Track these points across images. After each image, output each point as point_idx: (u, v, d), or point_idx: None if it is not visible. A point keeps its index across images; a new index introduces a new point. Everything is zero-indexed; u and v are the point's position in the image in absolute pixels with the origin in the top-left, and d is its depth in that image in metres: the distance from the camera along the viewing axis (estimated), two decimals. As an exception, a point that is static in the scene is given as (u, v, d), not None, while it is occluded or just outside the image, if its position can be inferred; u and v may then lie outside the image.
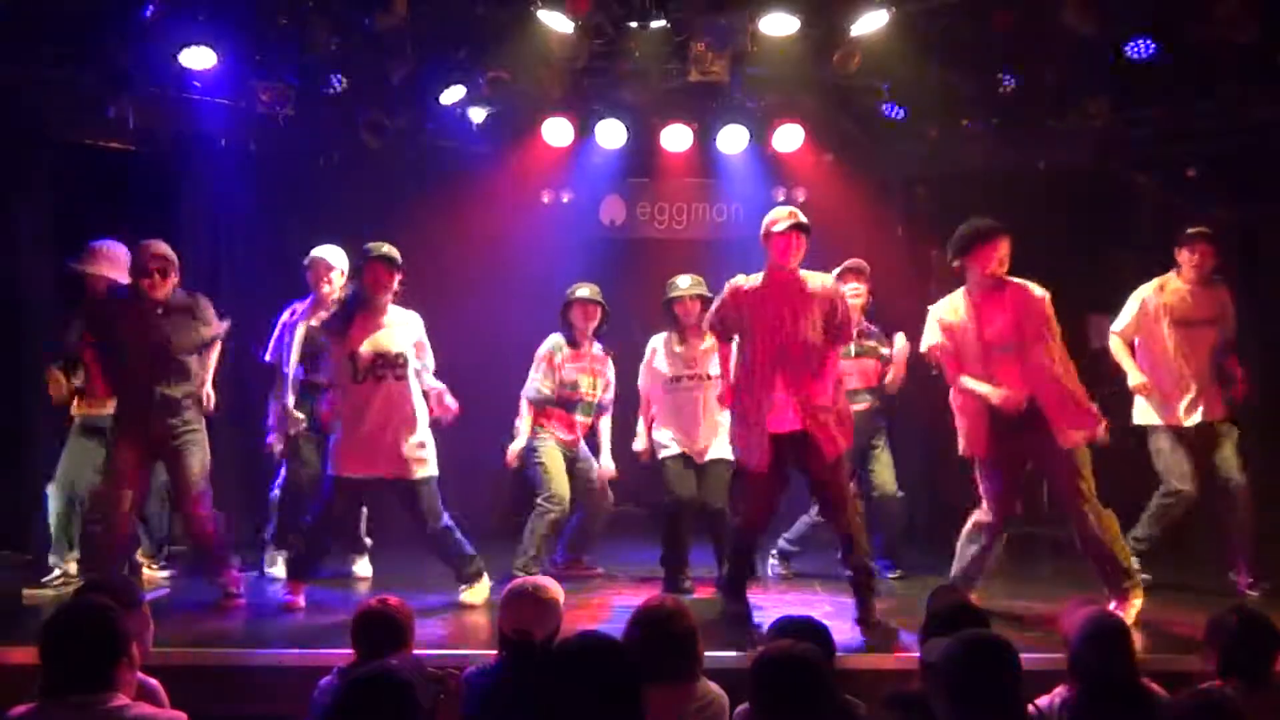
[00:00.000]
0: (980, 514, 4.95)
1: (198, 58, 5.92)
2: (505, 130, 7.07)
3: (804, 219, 4.75)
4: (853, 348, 5.70)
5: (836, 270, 5.80)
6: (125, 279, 5.30)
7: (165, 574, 5.83)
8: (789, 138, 7.00)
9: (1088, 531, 4.69)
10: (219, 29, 5.91)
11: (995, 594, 5.04)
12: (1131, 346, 5.65)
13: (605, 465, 5.99)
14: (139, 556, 5.68)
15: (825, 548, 5.26)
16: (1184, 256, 5.55)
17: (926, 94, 6.58)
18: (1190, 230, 5.55)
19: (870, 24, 5.91)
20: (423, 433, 5.19)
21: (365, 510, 5.98)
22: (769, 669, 2.74)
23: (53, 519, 5.44)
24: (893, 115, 6.72)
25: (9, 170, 6.40)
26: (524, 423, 5.82)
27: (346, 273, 5.72)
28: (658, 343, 5.81)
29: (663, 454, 5.70)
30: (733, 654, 4.06)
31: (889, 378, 5.82)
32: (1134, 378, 5.52)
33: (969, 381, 4.84)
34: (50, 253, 6.24)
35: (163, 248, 5.08)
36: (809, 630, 3.18)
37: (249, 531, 6.13)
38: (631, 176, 7.61)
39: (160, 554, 5.88)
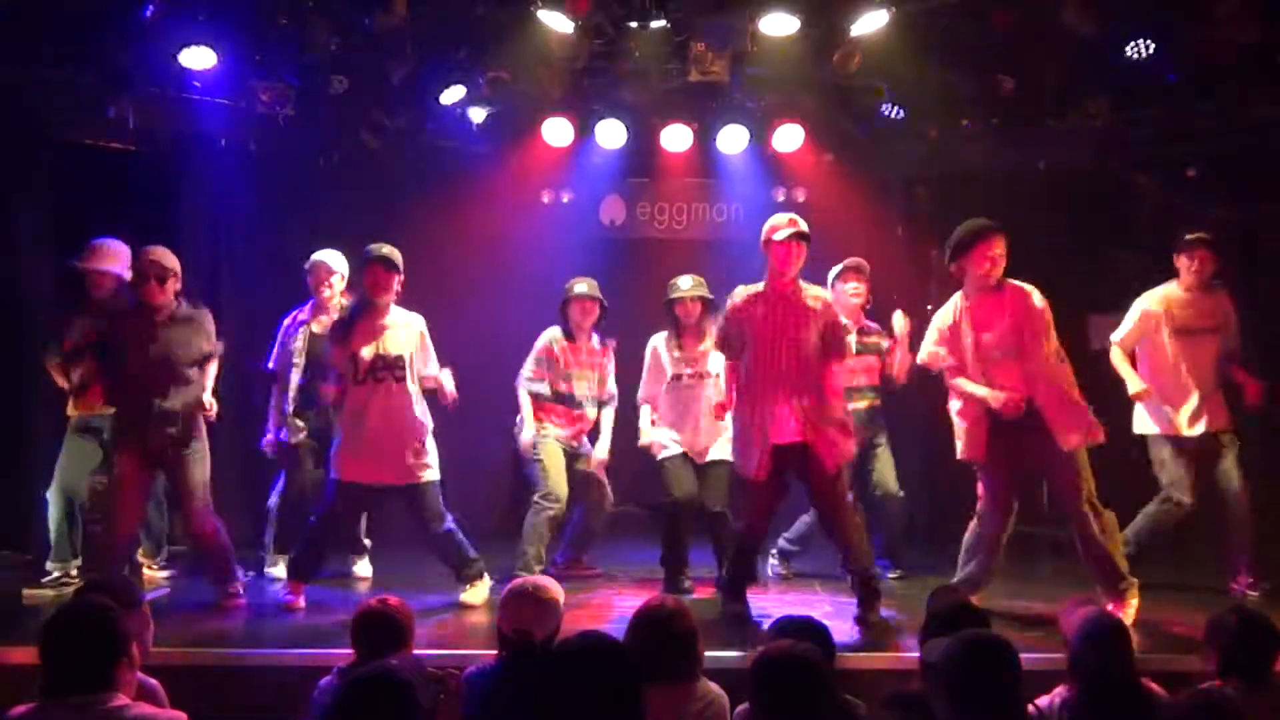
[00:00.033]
0: (981, 518, 4.95)
1: (198, 58, 5.91)
2: (505, 130, 7.06)
3: (805, 227, 4.76)
4: (854, 344, 5.71)
5: (837, 268, 5.81)
6: (128, 274, 5.30)
7: (165, 574, 5.83)
8: (789, 138, 7.00)
9: (1087, 532, 4.69)
10: (219, 29, 5.91)
11: (995, 594, 5.04)
12: (1133, 357, 5.62)
13: (598, 452, 5.93)
14: (139, 556, 5.68)
15: (825, 548, 5.26)
16: (1183, 263, 5.54)
17: (926, 94, 6.58)
18: (1189, 236, 5.53)
19: (870, 24, 5.91)
20: (424, 436, 5.19)
21: (365, 513, 5.98)
22: (769, 669, 2.74)
23: (53, 525, 5.44)
24: (893, 115, 6.71)
25: (9, 170, 6.39)
26: (526, 410, 5.81)
27: (346, 277, 5.73)
28: (658, 342, 5.81)
29: (662, 454, 5.70)
30: (733, 654, 4.06)
31: (895, 360, 5.76)
32: (1133, 385, 5.49)
33: (967, 384, 4.85)
34: (50, 253, 6.24)
35: (159, 254, 5.06)
36: (809, 630, 3.18)
37: (249, 532, 6.12)
38: (631, 176, 7.61)
39: (160, 553, 5.88)
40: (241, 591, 5.26)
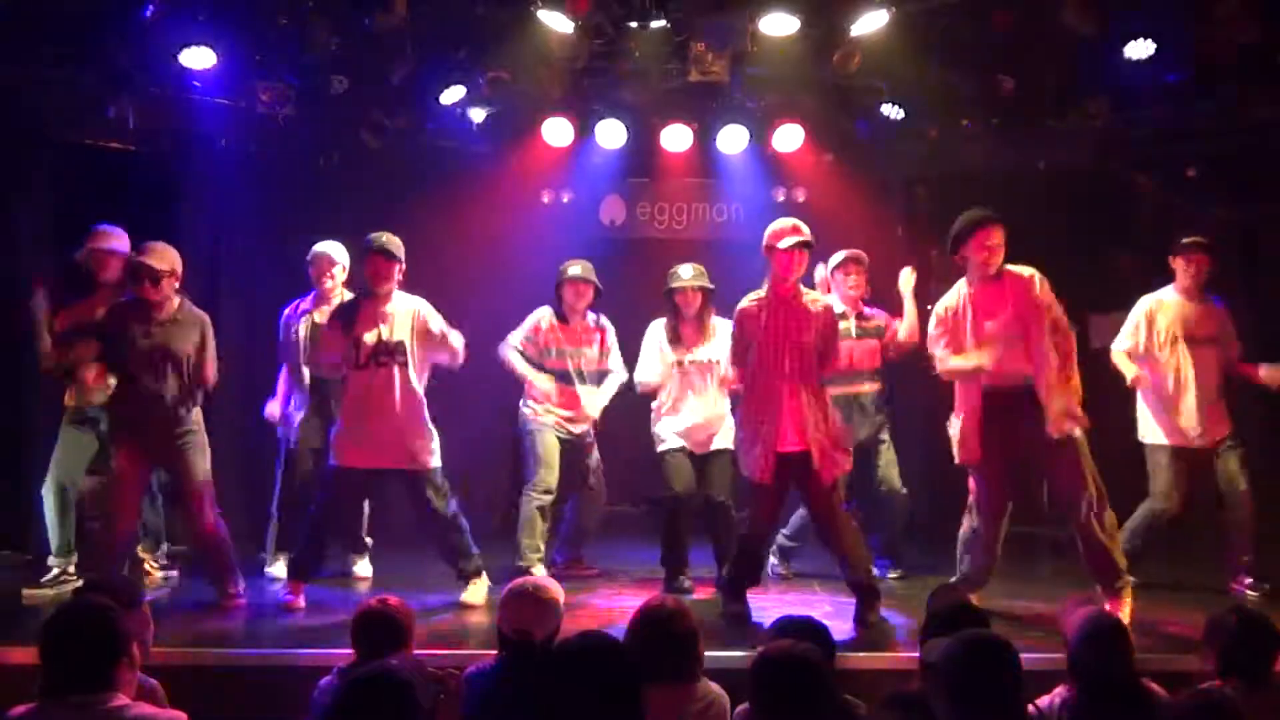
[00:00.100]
0: (974, 518, 4.95)
1: (198, 58, 5.91)
2: (505, 130, 7.07)
3: (808, 235, 4.77)
4: (854, 328, 5.72)
5: (837, 258, 5.80)
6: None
7: (165, 574, 5.83)
8: (789, 138, 7.00)
9: (1089, 528, 4.68)
10: (219, 29, 5.91)
11: (995, 594, 5.04)
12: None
13: (589, 408, 5.88)
14: (139, 552, 5.68)
15: (822, 546, 5.26)
16: (1179, 265, 5.54)
17: (926, 94, 6.58)
18: (1186, 240, 5.53)
19: (870, 24, 5.91)
20: (425, 423, 5.19)
21: (367, 509, 5.98)
22: (769, 669, 2.74)
23: (49, 518, 5.44)
24: (893, 115, 6.71)
25: (9, 170, 6.39)
26: (523, 367, 5.81)
27: (348, 268, 5.74)
28: (657, 329, 5.79)
29: (662, 448, 5.70)
30: (733, 654, 4.06)
31: (903, 323, 5.75)
32: (1130, 372, 5.49)
33: (955, 360, 4.85)
34: (50, 253, 6.24)
35: (152, 256, 5.04)
36: (809, 630, 3.18)
37: (249, 532, 6.12)
38: (631, 176, 7.62)
39: (159, 550, 5.87)
40: (242, 592, 5.25)
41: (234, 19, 5.94)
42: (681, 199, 7.69)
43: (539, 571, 5.57)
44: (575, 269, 5.87)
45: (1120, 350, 5.58)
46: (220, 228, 7.06)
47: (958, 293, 4.94)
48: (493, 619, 3.33)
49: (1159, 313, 5.53)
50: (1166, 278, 5.62)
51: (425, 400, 5.23)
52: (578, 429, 5.91)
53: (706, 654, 3.20)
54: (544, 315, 5.90)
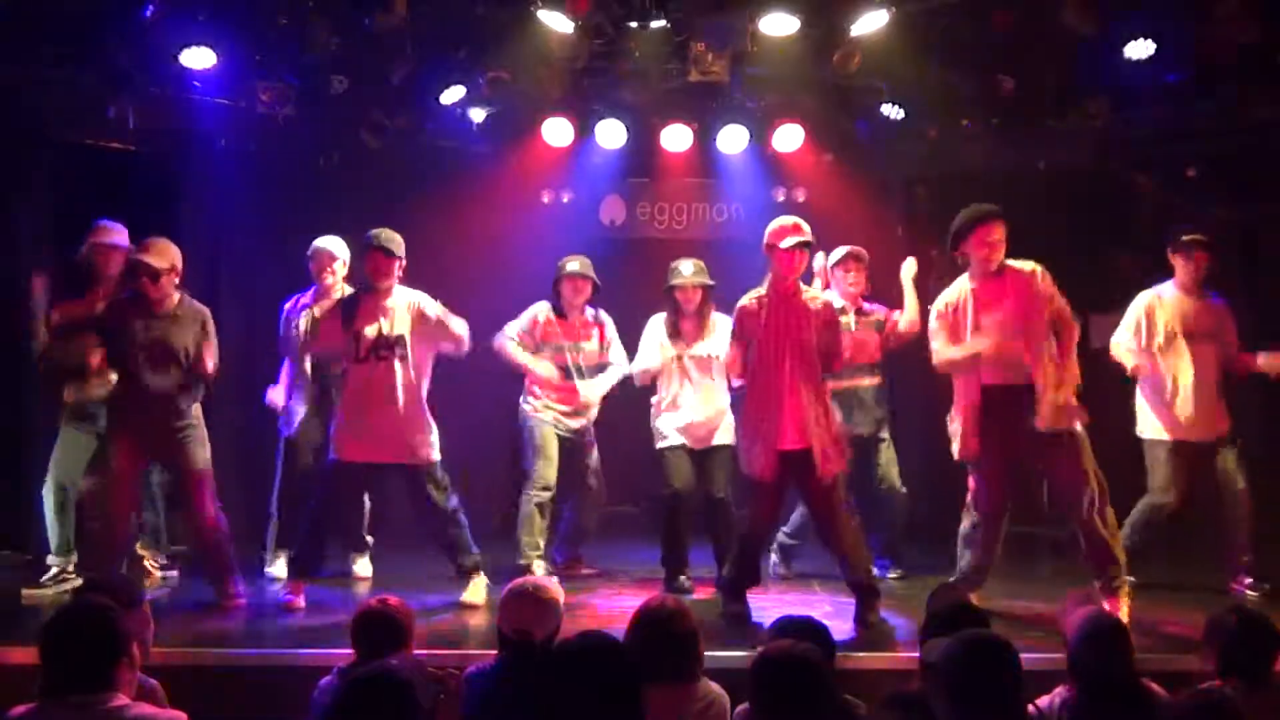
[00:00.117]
0: (974, 514, 4.95)
1: (198, 58, 5.91)
2: (505, 130, 7.06)
3: (808, 235, 4.78)
4: (853, 322, 5.72)
5: (838, 254, 5.79)
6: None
7: (164, 574, 5.82)
8: (789, 138, 7.00)
9: (1089, 523, 4.70)
10: (219, 29, 5.91)
11: (995, 594, 5.04)
12: None
13: (586, 393, 5.88)
14: (138, 549, 5.68)
15: (823, 546, 5.26)
16: (1179, 262, 5.54)
17: (926, 94, 6.58)
18: (1186, 237, 5.52)
19: (870, 24, 5.91)
20: (425, 417, 5.20)
21: (368, 506, 5.98)
22: (769, 669, 2.74)
23: (49, 517, 5.44)
24: (893, 115, 6.71)
25: (9, 170, 6.39)
26: (522, 356, 5.81)
27: (348, 263, 5.75)
28: (657, 323, 5.78)
29: (661, 444, 5.70)
30: (733, 654, 4.06)
31: (904, 313, 5.75)
32: (1130, 362, 5.50)
33: (951, 350, 4.85)
34: (50, 253, 6.24)
35: (151, 254, 5.06)
36: (809, 630, 3.18)
37: (248, 533, 6.12)
38: (631, 176, 7.61)
39: (158, 545, 5.86)
40: (241, 593, 5.25)
41: (234, 19, 5.94)
42: (681, 199, 7.69)
43: (539, 569, 5.60)
44: (573, 265, 5.87)
45: (1119, 343, 5.58)
46: (220, 228, 7.06)
47: (959, 288, 4.95)
48: (493, 619, 3.33)
49: (1158, 308, 5.53)
50: (1166, 275, 5.62)
51: (426, 395, 5.23)
52: (576, 424, 5.91)
53: (706, 654, 3.20)
54: (541, 309, 5.91)
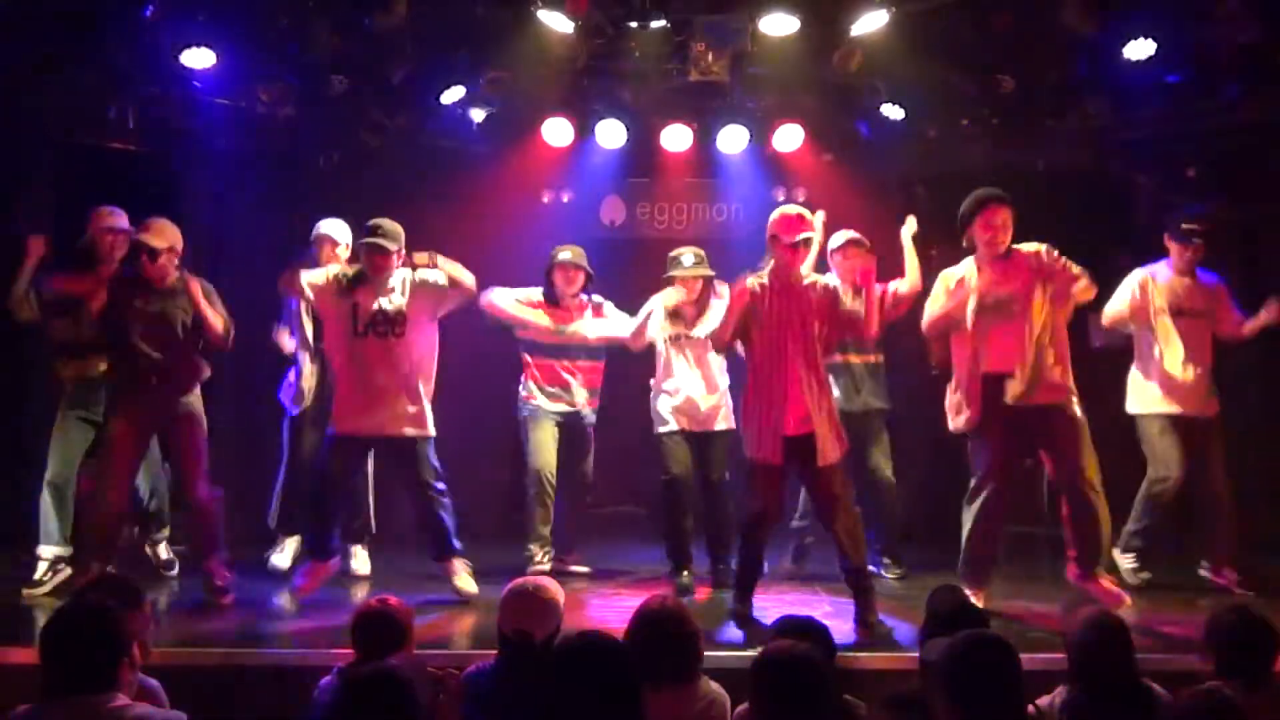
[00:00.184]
0: (974, 495, 4.97)
1: (198, 58, 5.91)
2: (505, 130, 7.06)
3: (813, 230, 4.83)
4: (849, 299, 5.72)
5: (839, 240, 5.76)
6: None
7: (165, 567, 5.81)
8: (789, 138, 7.00)
9: (1084, 494, 4.78)
10: (219, 29, 5.90)
11: (995, 594, 5.05)
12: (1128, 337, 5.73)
13: (584, 327, 5.93)
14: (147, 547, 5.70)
15: (825, 546, 5.26)
16: (1174, 248, 5.62)
17: (926, 94, 6.58)
18: (1185, 226, 5.58)
19: (870, 24, 5.91)
20: (421, 392, 5.24)
21: (371, 502, 5.97)
22: (769, 669, 2.74)
23: (46, 509, 5.41)
24: (893, 115, 6.71)
25: (9, 170, 6.39)
26: (516, 310, 5.88)
27: (351, 246, 5.76)
28: (656, 305, 5.77)
29: (660, 430, 5.71)
30: (733, 654, 4.06)
31: (906, 275, 5.69)
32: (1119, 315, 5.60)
33: (937, 307, 4.97)
34: (50, 257, 6.23)
35: (149, 234, 5.12)
36: (809, 630, 3.18)
37: (246, 525, 6.13)
38: (631, 176, 7.61)
39: (161, 534, 5.85)
40: (229, 583, 5.24)
41: (234, 19, 5.94)
42: (681, 199, 7.68)
43: (542, 558, 5.69)
44: (565, 254, 5.88)
45: (1110, 311, 5.64)
46: (220, 227, 7.06)
47: (966, 265, 5.02)
48: (493, 619, 3.32)
49: (1151, 285, 5.61)
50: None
51: (428, 371, 5.28)
52: (572, 409, 5.92)
53: (706, 654, 3.20)
54: (537, 293, 5.95)
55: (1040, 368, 4.81)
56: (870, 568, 4.97)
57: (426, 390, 5.27)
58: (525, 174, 7.36)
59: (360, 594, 5.42)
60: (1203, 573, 5.49)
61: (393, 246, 5.17)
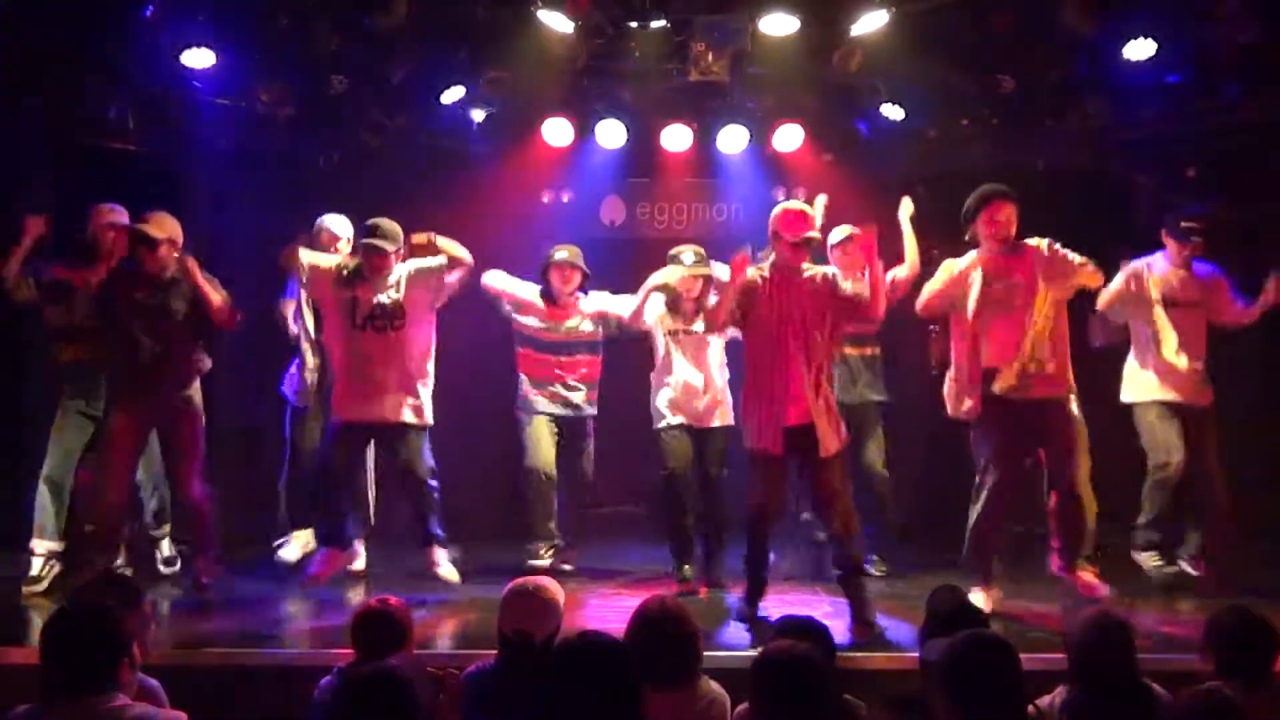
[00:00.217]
0: (982, 485, 4.97)
1: (198, 58, 5.91)
2: (505, 130, 7.06)
3: (816, 230, 4.85)
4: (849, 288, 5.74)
5: (840, 235, 5.76)
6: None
7: (168, 565, 5.81)
8: (789, 138, 6.99)
9: (1071, 493, 4.83)
10: (219, 29, 5.91)
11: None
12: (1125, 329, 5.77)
13: (587, 303, 5.96)
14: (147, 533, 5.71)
15: (824, 546, 5.26)
16: (1171, 243, 5.64)
17: (926, 94, 6.58)
18: (1184, 224, 5.61)
19: (870, 24, 5.92)
20: (420, 386, 5.27)
21: (372, 497, 5.98)
22: (769, 669, 2.74)
23: (42, 504, 5.42)
24: (893, 115, 6.71)
25: (9, 170, 6.39)
26: (510, 283, 5.95)
27: (352, 240, 5.78)
28: (657, 280, 5.76)
29: (660, 425, 5.71)
30: (733, 654, 4.06)
31: (905, 260, 5.67)
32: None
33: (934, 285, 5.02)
34: (50, 253, 6.23)
35: (150, 226, 5.15)
36: (809, 630, 3.18)
37: (246, 524, 6.13)
38: (631, 176, 7.60)
39: (158, 520, 5.85)
40: (211, 573, 5.28)
41: (234, 19, 5.94)
42: (681, 199, 7.68)
43: (544, 557, 5.74)
44: (561, 253, 5.89)
45: (1105, 293, 5.62)
46: (220, 227, 7.05)
47: (969, 258, 5.04)
48: (493, 619, 3.32)
49: (1146, 275, 5.65)
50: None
51: (426, 364, 5.31)
52: (575, 397, 5.93)
53: (706, 654, 3.20)
54: (534, 290, 5.97)
55: (1038, 363, 4.83)
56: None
57: (425, 383, 5.31)
58: (525, 174, 7.35)
59: (359, 593, 5.42)
60: (1182, 563, 5.51)
61: (390, 248, 5.20)
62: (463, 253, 5.31)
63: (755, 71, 6.53)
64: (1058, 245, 4.95)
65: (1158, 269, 5.66)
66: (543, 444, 5.86)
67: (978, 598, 4.78)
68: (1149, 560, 5.54)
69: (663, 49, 6.25)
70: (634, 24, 6.15)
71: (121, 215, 5.58)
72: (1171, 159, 6.78)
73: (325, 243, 5.77)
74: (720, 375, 5.72)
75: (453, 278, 5.33)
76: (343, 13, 5.97)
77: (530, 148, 7.11)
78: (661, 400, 5.72)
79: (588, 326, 5.98)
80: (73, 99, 6.21)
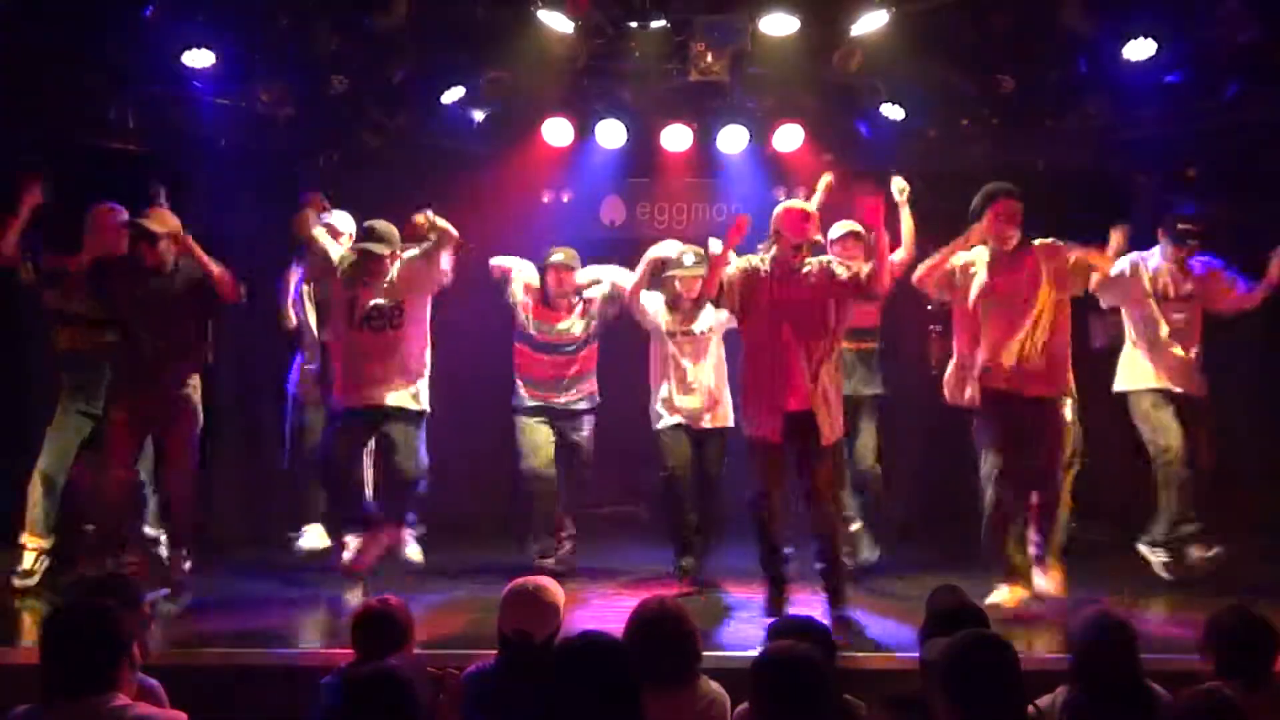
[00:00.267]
0: (990, 475, 4.97)
1: (198, 58, 5.92)
2: (505, 130, 7.05)
3: (817, 230, 4.91)
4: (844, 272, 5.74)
5: (838, 231, 5.76)
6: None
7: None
8: (789, 138, 6.99)
9: (1050, 492, 4.91)
10: (219, 29, 5.91)
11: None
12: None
13: (584, 274, 5.98)
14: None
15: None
16: (1166, 242, 5.69)
17: (926, 94, 6.58)
18: (1180, 227, 5.64)
19: (870, 24, 5.92)
20: (417, 378, 5.32)
21: (371, 493, 5.98)
22: (769, 669, 2.74)
23: (35, 498, 5.41)
24: (893, 115, 6.71)
25: (9, 170, 6.38)
26: (513, 261, 6.01)
27: (354, 236, 5.78)
28: (654, 254, 5.78)
29: (658, 425, 5.72)
30: (733, 654, 4.06)
31: (903, 241, 5.63)
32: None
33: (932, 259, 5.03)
34: (50, 253, 6.23)
35: (150, 221, 5.21)
36: (809, 630, 3.18)
37: (247, 524, 6.12)
38: (631, 176, 7.60)
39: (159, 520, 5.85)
40: (182, 577, 5.29)
41: (234, 19, 5.95)
42: (681, 199, 7.68)
43: (547, 555, 5.77)
44: (558, 255, 5.90)
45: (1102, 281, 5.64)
46: (220, 227, 7.04)
47: (979, 252, 5.05)
48: (492, 619, 3.32)
49: (1142, 269, 5.69)
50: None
51: (422, 361, 5.35)
52: (569, 395, 5.95)
53: (706, 654, 3.20)
54: (534, 291, 5.98)
55: (1035, 362, 4.85)
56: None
57: (422, 374, 5.36)
58: (525, 174, 7.35)
59: (359, 593, 5.42)
60: (1140, 547, 5.52)
61: (385, 251, 5.24)
62: (451, 228, 5.35)
63: (755, 71, 6.52)
64: (1060, 243, 4.98)
65: (1152, 264, 5.70)
66: (539, 446, 5.86)
67: (1001, 593, 4.80)
68: (1196, 552, 5.49)
69: (663, 49, 6.25)
70: (634, 24, 6.15)
71: (121, 214, 5.60)
72: (1171, 159, 6.78)
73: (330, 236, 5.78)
74: (719, 376, 5.72)
75: (445, 262, 5.33)
76: (343, 13, 5.97)
77: (530, 148, 7.11)
78: (660, 401, 5.72)
79: (580, 328, 5.97)
80: (73, 99, 6.21)
